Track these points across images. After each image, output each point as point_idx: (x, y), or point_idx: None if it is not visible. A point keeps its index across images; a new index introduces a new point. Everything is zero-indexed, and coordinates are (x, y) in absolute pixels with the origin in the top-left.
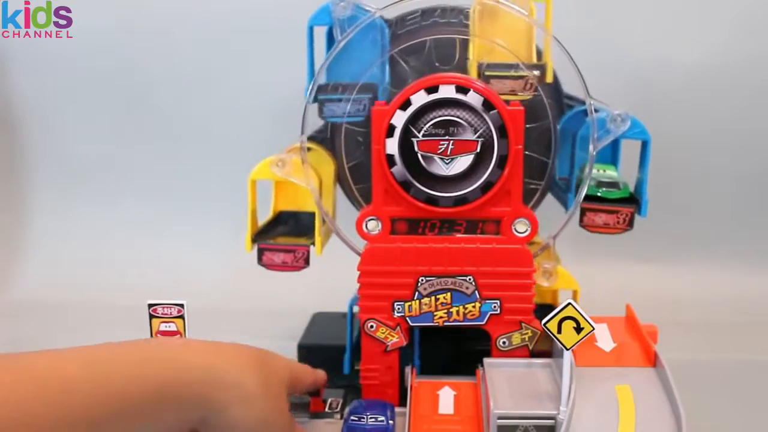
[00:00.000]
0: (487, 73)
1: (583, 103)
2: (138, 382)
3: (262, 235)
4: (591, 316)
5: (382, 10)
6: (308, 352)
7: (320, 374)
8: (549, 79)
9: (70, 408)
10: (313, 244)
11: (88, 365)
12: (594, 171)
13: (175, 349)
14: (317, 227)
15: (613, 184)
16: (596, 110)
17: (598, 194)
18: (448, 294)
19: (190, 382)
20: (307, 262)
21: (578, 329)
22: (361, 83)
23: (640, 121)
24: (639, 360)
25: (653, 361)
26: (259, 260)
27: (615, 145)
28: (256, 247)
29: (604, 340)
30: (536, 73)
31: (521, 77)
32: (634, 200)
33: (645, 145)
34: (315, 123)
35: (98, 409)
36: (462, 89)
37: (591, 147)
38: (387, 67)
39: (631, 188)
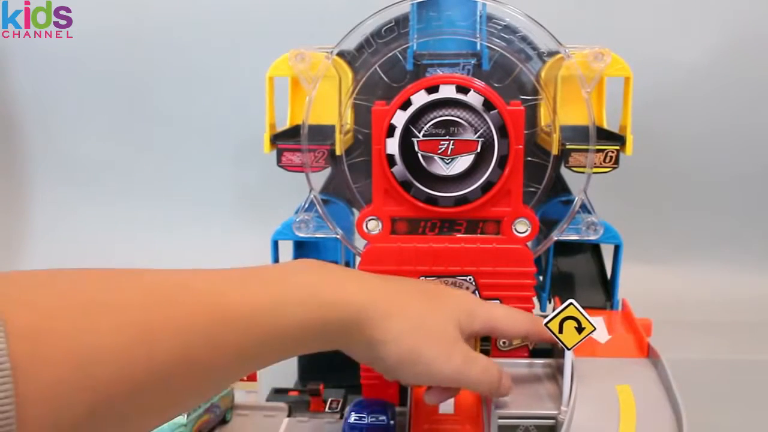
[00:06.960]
0: (568, 147)
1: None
2: (304, 324)
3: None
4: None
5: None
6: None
7: (533, 325)
8: (629, 151)
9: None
10: None
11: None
12: None
13: (334, 284)
14: None
15: None
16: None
17: None
18: None
19: (347, 320)
20: (327, 162)
21: (579, 329)
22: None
23: (612, 226)
24: (632, 351)
25: (646, 351)
26: (279, 161)
27: None
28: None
29: (600, 332)
30: (616, 147)
31: (601, 150)
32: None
33: (617, 249)
34: None
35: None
36: (462, 89)
37: (556, 232)
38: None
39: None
